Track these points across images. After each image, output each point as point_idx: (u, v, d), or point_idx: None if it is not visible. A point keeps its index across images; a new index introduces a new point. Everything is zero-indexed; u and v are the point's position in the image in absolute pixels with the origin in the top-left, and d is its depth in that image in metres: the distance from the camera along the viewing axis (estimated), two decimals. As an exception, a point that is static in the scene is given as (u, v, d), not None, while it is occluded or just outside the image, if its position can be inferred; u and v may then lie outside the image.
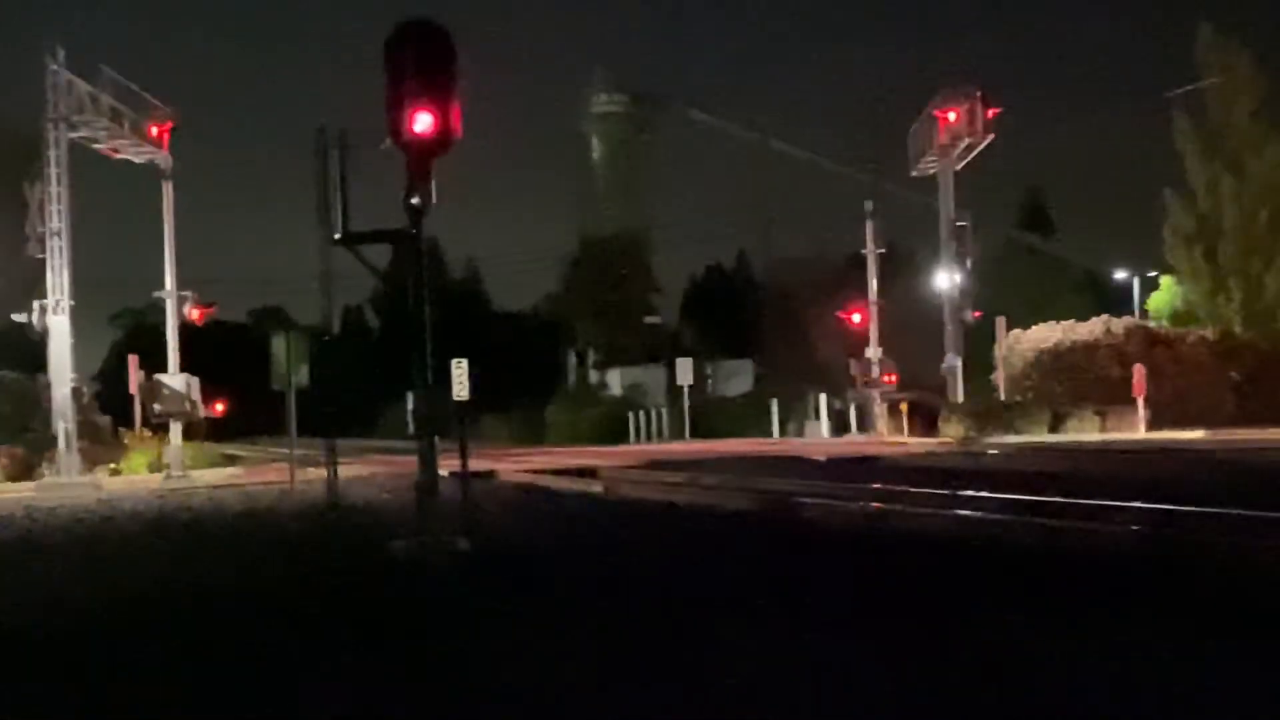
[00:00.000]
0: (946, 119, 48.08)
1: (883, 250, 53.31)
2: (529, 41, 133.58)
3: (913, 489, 22.00)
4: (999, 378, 48.98)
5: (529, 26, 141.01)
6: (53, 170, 37.34)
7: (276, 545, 18.36)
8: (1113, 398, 45.45)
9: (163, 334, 42.00)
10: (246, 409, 51.74)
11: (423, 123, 15.46)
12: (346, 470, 26.50)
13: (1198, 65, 49.08)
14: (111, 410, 45.46)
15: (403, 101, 15.45)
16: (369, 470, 32.72)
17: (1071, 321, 49.86)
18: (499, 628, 11.19)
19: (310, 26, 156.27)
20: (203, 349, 42.77)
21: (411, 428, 17.78)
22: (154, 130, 40.06)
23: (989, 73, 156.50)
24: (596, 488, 27.20)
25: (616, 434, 62.23)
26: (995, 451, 36.08)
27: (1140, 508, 16.59)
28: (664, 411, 63.67)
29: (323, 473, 25.62)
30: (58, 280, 37.47)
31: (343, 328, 29.64)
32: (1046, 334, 49.26)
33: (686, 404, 59.61)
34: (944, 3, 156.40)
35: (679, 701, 8.09)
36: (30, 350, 43.88)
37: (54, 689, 9.27)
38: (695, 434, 58.27)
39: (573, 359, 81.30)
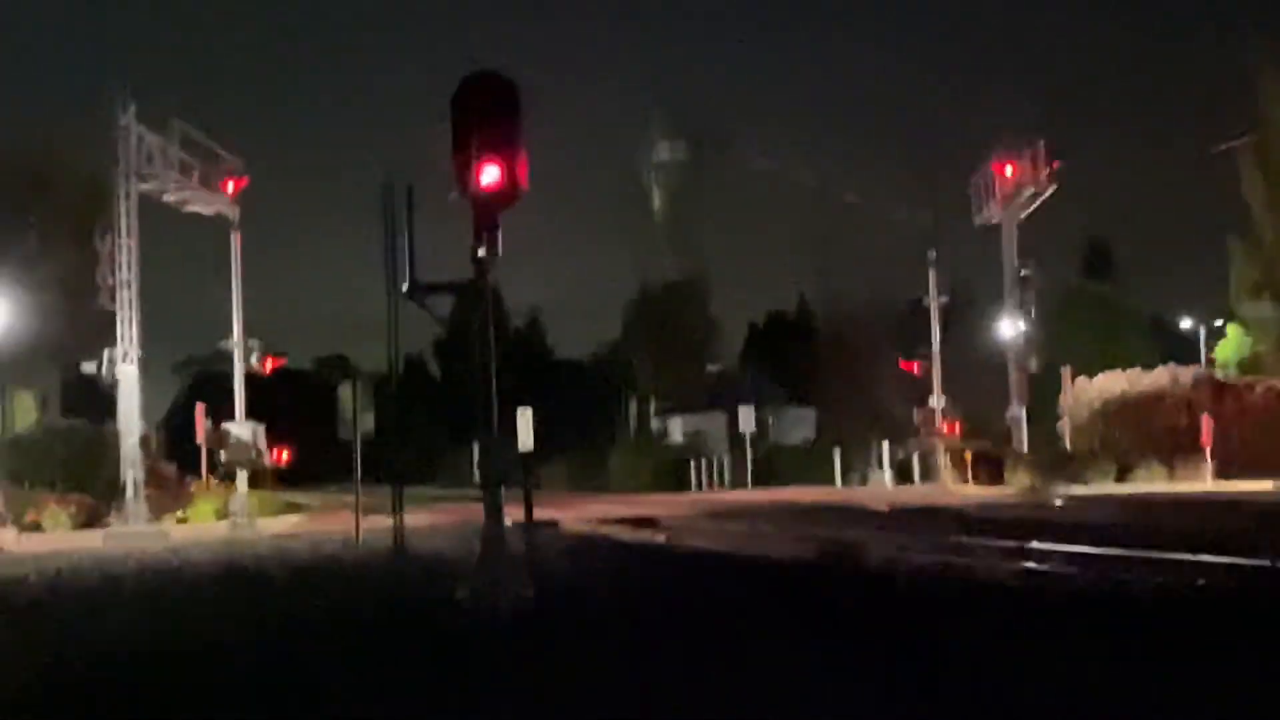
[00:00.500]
0: (1010, 168, 47.96)
1: (945, 298, 53.11)
2: (588, 86, 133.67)
3: (981, 540, 21.89)
4: (1064, 427, 48.70)
5: (588, 71, 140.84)
6: (123, 222, 37.64)
7: (345, 594, 18.42)
8: (1180, 448, 45.12)
9: (227, 382, 42.31)
10: (310, 456, 51.93)
11: (490, 175, 15.52)
12: (411, 519, 26.51)
13: (1261, 111, 48.75)
14: (177, 458, 45.75)
15: (469, 154, 15.51)
16: (433, 519, 32.71)
17: (1137, 370, 49.55)
18: (562, 674, 11.25)
19: (377, 76, 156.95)
20: (266, 396, 43.10)
21: (478, 477, 17.84)
22: (224, 184, 40.39)
23: (1052, 115, 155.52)
24: (660, 538, 27.14)
25: (678, 481, 61.97)
26: (1061, 502, 35.82)
27: (1208, 561, 16.50)
28: (725, 459, 63.49)
29: (387, 521, 25.67)
30: (127, 331, 37.76)
31: (405, 376, 29.63)
32: (1112, 383, 48.95)
33: (749, 452, 59.48)
34: (1005, 47, 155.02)
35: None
36: (97, 398, 44.29)
37: None
38: (757, 482, 58.11)
39: (633, 406, 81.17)
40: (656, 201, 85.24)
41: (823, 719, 9.26)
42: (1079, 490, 41.55)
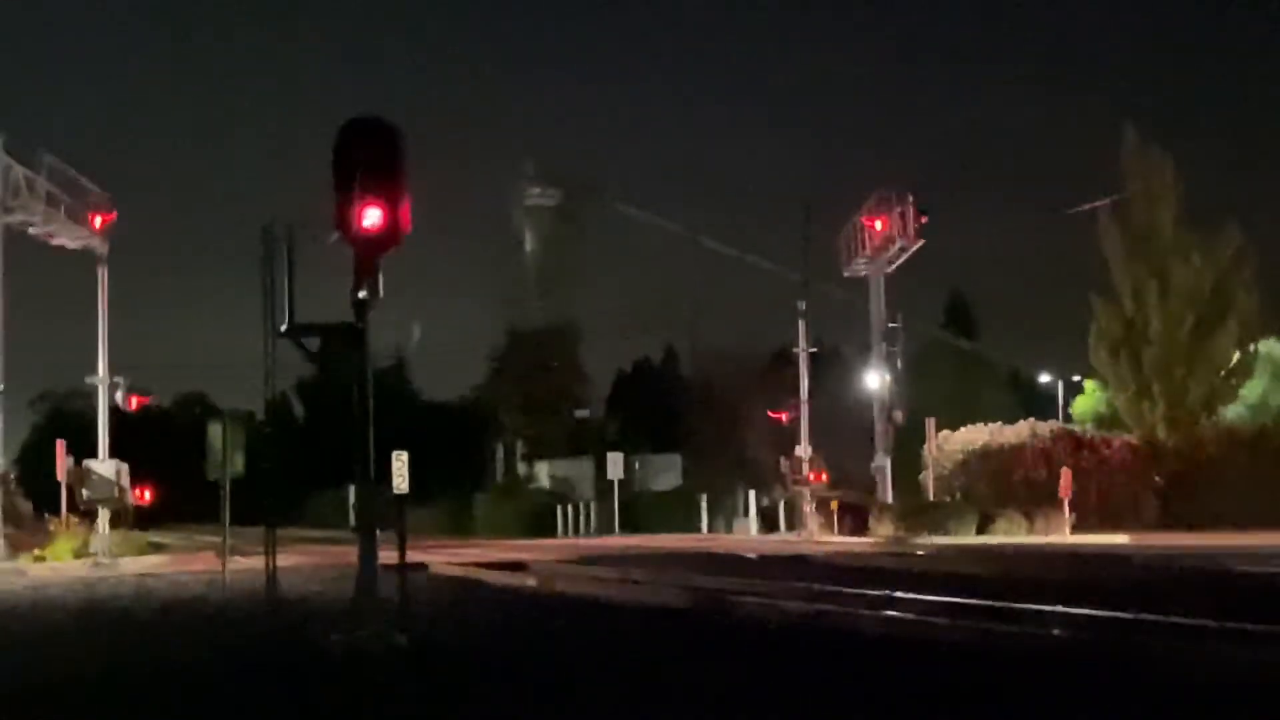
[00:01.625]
0: (878, 222, 48.66)
1: (813, 349, 53.62)
2: (458, 131, 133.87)
3: (845, 589, 22.15)
4: (928, 478, 49.27)
5: (458, 116, 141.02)
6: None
7: (211, 636, 18.31)
8: (1039, 500, 45.83)
9: (85, 418, 41.77)
10: (173, 496, 51.37)
11: (372, 218, 15.56)
12: (279, 560, 26.34)
13: (1123, 171, 49.64)
14: (31, 495, 44.99)
15: (352, 197, 15.53)
16: (301, 560, 32.51)
17: (999, 424, 50.32)
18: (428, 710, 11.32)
19: (253, 117, 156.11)
20: (126, 434, 42.52)
21: (353, 521, 17.81)
22: (92, 217, 39.96)
23: (916, 170, 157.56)
24: (530, 582, 27.16)
25: (544, 527, 62.00)
26: (923, 553, 36.20)
27: (1056, 611, 16.86)
28: (592, 505, 63.54)
29: (252, 562, 25.51)
30: (-14, 365, 37.20)
31: (269, 415, 29.39)
32: (974, 436, 49.69)
33: (615, 498, 59.58)
34: (874, 105, 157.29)
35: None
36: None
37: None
38: (624, 528, 58.09)
39: (500, 451, 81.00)
40: (527, 246, 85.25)
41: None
42: (941, 540, 42.08)
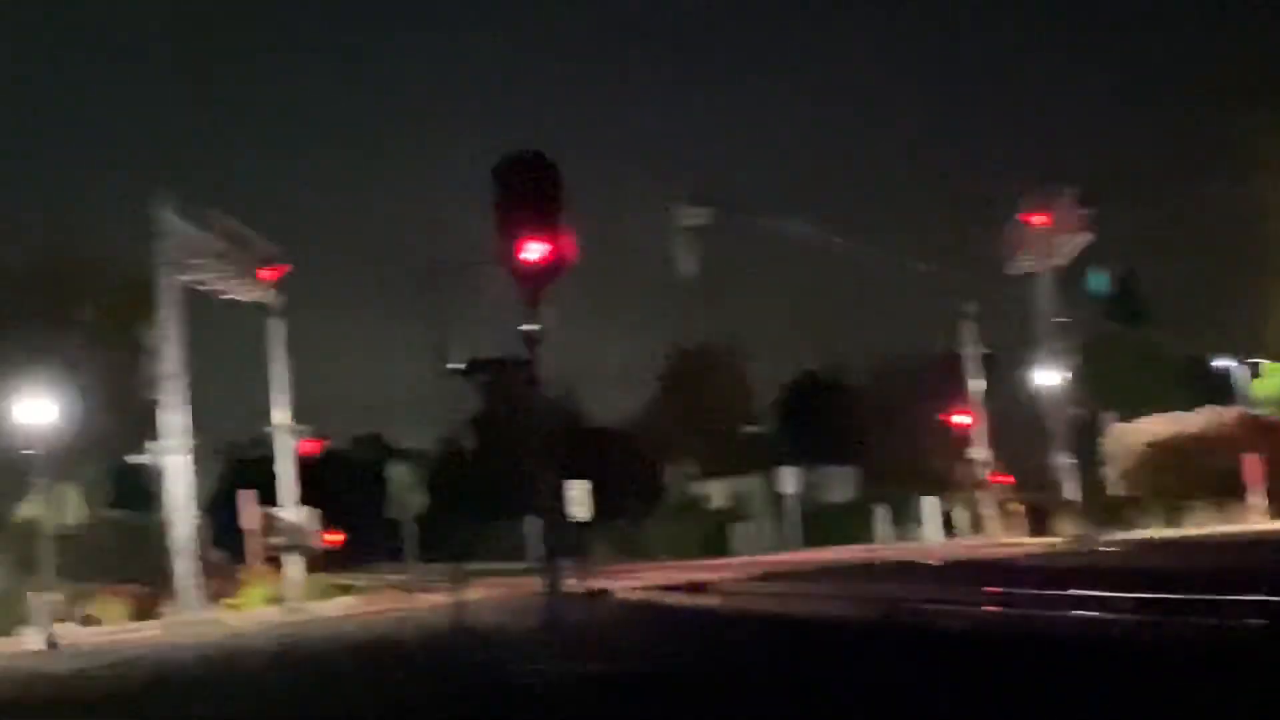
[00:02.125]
0: (1044, 218, 48.02)
1: (986, 351, 53.09)
2: (611, 158, 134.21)
3: (1044, 590, 21.82)
4: (1109, 473, 48.53)
5: (612, 144, 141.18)
6: (166, 313, 37.91)
7: (410, 673, 18.53)
8: (1227, 488, 44.94)
9: (266, 466, 42.39)
10: (353, 536, 52.05)
11: (534, 252, 15.72)
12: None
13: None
14: (220, 544, 45.78)
15: (514, 231, 15.71)
16: (483, 593, 32.70)
17: (1178, 413, 49.42)
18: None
19: (417, 156, 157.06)
20: (305, 479, 43.06)
21: (535, 552, 17.98)
22: (261, 270, 40.60)
23: (1083, 160, 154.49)
24: (714, 602, 27.14)
25: (719, 546, 61.87)
26: (1109, 549, 35.65)
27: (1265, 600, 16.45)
28: (766, 521, 63.34)
29: (437, 598, 25.77)
30: (173, 422, 37.90)
31: (444, 456, 29.81)
32: (1154, 427, 48.87)
33: (790, 513, 59.36)
34: (1030, 87, 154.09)
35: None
36: (140, 489, 44.48)
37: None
38: (800, 543, 57.90)
39: (671, 471, 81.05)
40: (683, 266, 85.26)
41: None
42: (1130, 535, 41.40)
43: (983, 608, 20.29)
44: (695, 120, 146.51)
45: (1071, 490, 47.63)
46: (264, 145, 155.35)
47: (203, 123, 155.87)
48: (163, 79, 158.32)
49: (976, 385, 52.00)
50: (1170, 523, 44.16)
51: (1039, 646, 15.65)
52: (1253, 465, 44.47)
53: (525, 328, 16.42)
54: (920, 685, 13.67)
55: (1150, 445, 48.14)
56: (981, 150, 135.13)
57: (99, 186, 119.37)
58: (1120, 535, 41.35)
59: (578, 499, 26.00)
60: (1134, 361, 65.87)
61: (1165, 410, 50.69)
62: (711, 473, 77.17)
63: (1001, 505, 49.60)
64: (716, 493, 74.71)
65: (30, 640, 29.98)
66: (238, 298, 40.73)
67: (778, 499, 60.74)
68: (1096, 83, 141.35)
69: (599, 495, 44.36)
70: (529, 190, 16.01)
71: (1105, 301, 68.56)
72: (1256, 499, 43.79)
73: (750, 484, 70.20)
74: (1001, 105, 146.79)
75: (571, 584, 17.44)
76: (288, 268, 40.95)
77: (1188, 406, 51.59)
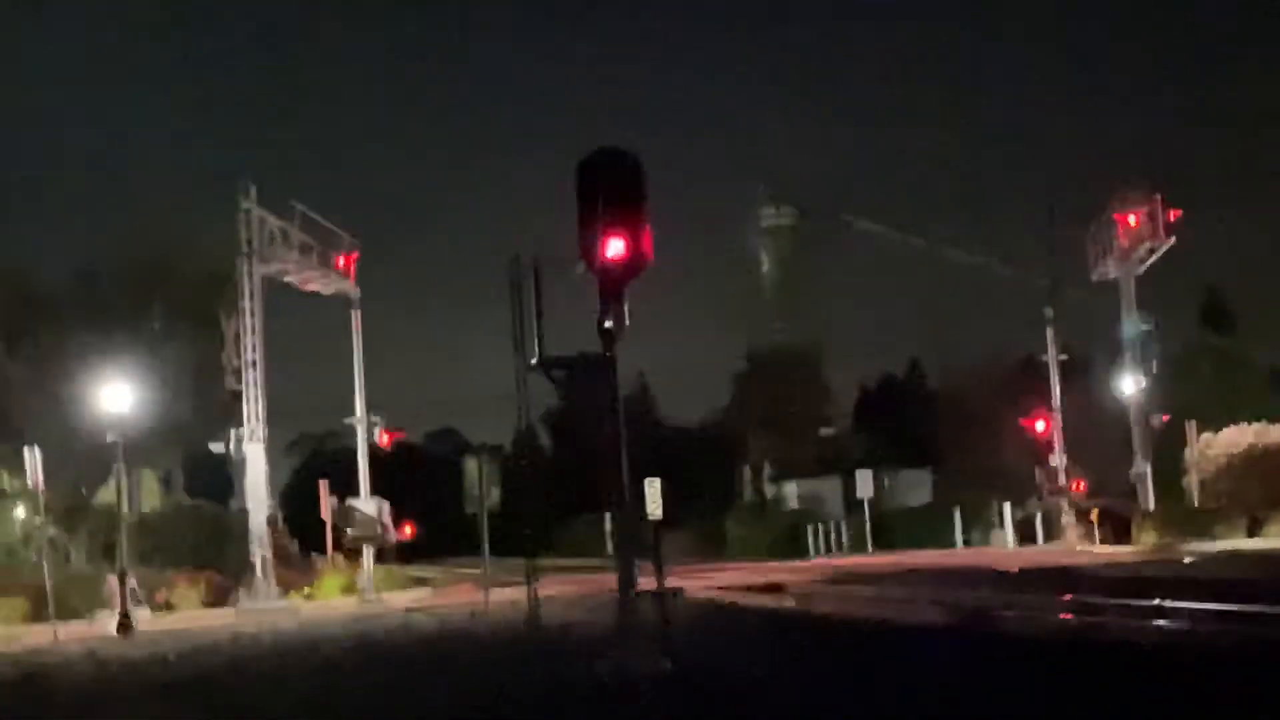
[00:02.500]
0: (1126, 223, 47.73)
1: (1064, 356, 52.72)
2: (693, 155, 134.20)
3: (1121, 600, 21.65)
4: (1191, 482, 48.01)
5: (697, 141, 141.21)
6: (247, 304, 38.14)
7: (490, 671, 18.56)
8: (1313, 497, 44.50)
9: (342, 458, 42.64)
10: (427, 529, 52.23)
11: (615, 248, 15.64)
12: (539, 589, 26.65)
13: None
14: (294, 534, 46.04)
15: (595, 228, 15.63)
16: (557, 589, 32.74)
17: (1264, 424, 48.85)
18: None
19: (496, 152, 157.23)
20: (381, 471, 43.23)
21: (611, 549, 17.95)
22: (341, 262, 40.82)
23: (1165, 165, 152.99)
24: (788, 603, 27.12)
25: (794, 547, 61.58)
26: (1191, 559, 35.34)
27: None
28: (843, 523, 63.15)
29: (512, 593, 25.80)
30: (253, 409, 38.16)
31: (521, 447, 29.65)
32: (1238, 437, 48.25)
33: (867, 515, 59.16)
34: (1114, 95, 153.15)
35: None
36: (217, 477, 44.86)
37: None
38: (875, 546, 57.72)
39: (747, 472, 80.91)
40: (765, 267, 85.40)
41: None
42: (1210, 547, 40.98)
43: (1063, 616, 20.14)
44: (783, 123, 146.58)
45: (1150, 499, 47.27)
46: (349, 140, 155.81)
47: (290, 113, 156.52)
48: (245, 72, 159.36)
49: (1056, 391, 51.55)
50: (1251, 534, 43.69)
51: (1115, 653, 15.56)
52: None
53: (603, 325, 16.30)
54: (990, 693, 13.60)
55: (1234, 455, 47.57)
56: (1066, 155, 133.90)
57: (179, 176, 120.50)
58: (1201, 546, 40.94)
59: (652, 497, 25.85)
60: (1220, 370, 65.08)
61: (1251, 421, 50.07)
62: (787, 474, 77.02)
63: (1079, 512, 49.18)
64: (792, 494, 74.56)
65: (107, 624, 30.21)
66: (319, 290, 40.98)
67: (855, 501, 60.51)
68: (1182, 93, 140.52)
69: (674, 495, 44.24)
70: (611, 186, 15.90)
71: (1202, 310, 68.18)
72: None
73: (827, 486, 70.13)
74: (1086, 111, 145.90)
75: (646, 582, 17.33)
76: (357, 254, 41.15)
77: (1274, 417, 50.97)
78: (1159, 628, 17.79)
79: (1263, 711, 11.66)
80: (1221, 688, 12.93)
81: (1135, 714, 11.83)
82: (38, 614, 31.54)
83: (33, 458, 32.03)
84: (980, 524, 55.89)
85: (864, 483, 59.05)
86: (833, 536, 62.52)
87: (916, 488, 69.77)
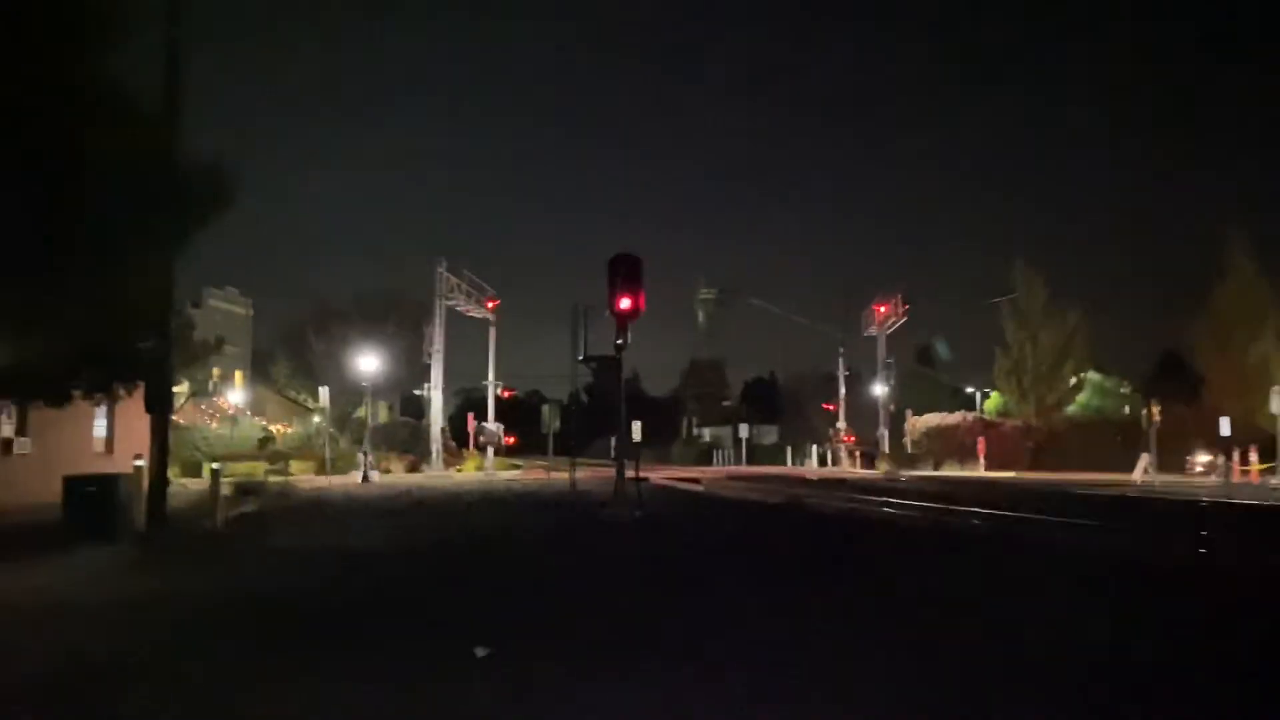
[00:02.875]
0: (879, 309, 48.16)
1: (848, 372, 53.06)
2: (672, 253, 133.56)
3: (864, 495, 22.07)
4: (907, 441, 48.42)
5: (673, 247, 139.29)
6: (436, 320, 38.54)
7: (547, 508, 18.94)
8: (966, 454, 44.83)
9: (480, 401, 42.80)
10: (523, 441, 52.63)
11: (624, 304, 15.98)
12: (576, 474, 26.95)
13: (1014, 279, 48.14)
14: (454, 437, 46.38)
15: (615, 292, 15.97)
16: (586, 475, 32.90)
17: (945, 413, 49.27)
18: (650, 541, 11.71)
19: (573, 251, 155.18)
20: (501, 410, 43.56)
21: (612, 453, 18.25)
22: (488, 304, 41.24)
23: (900, 270, 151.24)
24: (700, 488, 27.42)
25: (707, 461, 61.86)
26: (905, 478, 35.70)
27: (978, 510, 16.67)
28: (730, 450, 63.35)
29: (564, 474, 26.04)
30: (435, 374, 38.60)
31: (573, 401, 30.14)
32: (932, 419, 48.63)
33: (743, 447, 59.43)
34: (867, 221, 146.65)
35: (725, 567, 8.54)
36: (418, 407, 45.03)
37: (457, 564, 9.97)
38: (748, 463, 57.99)
39: (686, 421, 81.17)
40: (700, 318, 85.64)
41: (803, 565, 9.68)
42: (914, 473, 41.35)
43: (835, 501, 20.46)
44: (709, 240, 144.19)
45: (886, 447, 47.59)
46: (505, 233, 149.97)
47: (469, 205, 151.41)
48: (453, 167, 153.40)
49: (842, 390, 51.90)
50: (935, 468, 44.05)
51: (863, 520, 15.95)
52: (980, 443, 44.29)
53: (617, 342, 16.64)
54: (801, 535, 13.98)
55: (929, 428, 47.95)
56: (853, 265, 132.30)
57: (405, 246, 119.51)
58: (910, 472, 41.31)
59: (636, 431, 26.25)
60: (925, 386, 65.32)
61: (940, 411, 50.39)
62: (706, 424, 77.27)
63: (849, 452, 49.54)
64: (708, 434, 74.75)
65: (355, 477, 30.53)
66: (475, 316, 41.43)
67: (739, 440, 60.72)
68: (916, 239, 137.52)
69: (649, 431, 44.49)
70: (623, 272, 16.24)
71: (932, 357, 68.31)
72: (981, 460, 43.64)
73: (725, 431, 70.21)
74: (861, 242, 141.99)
75: (629, 474, 17.65)
76: (499, 301, 41.60)
77: (952, 410, 51.29)
78: (884, 510, 18.11)
79: (927, 543, 12.06)
80: (910, 537, 13.34)
81: (868, 548, 12.16)
82: (320, 470, 31.89)
83: (323, 392, 32.37)
84: (800, 455, 56.07)
85: (744, 430, 59.28)
86: (728, 457, 62.70)
87: (769, 434, 69.83)
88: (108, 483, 12.86)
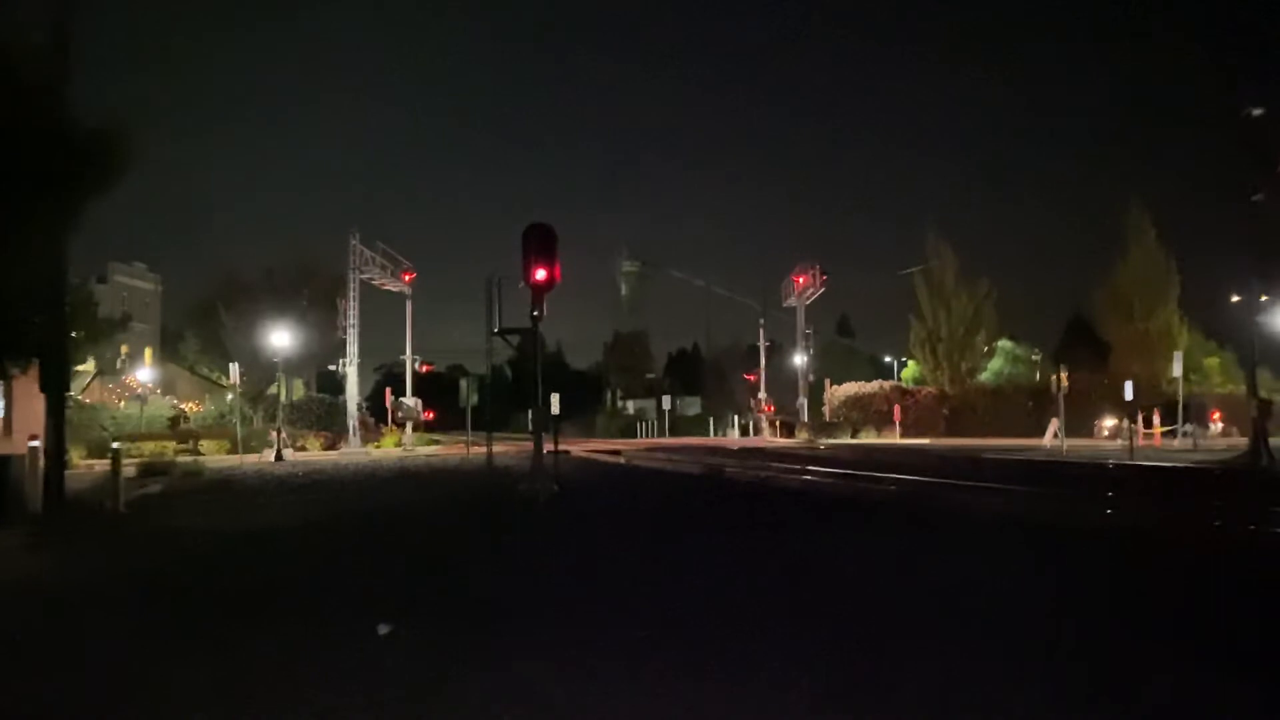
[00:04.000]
0: (798, 280, 48.61)
1: (769, 343, 53.68)
2: (588, 221, 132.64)
3: (781, 463, 22.34)
4: (825, 410, 49.17)
5: (586, 215, 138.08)
6: (350, 292, 37.81)
7: (461, 483, 18.76)
8: (884, 421, 45.69)
9: (398, 376, 42.19)
10: (441, 416, 52.06)
11: (540, 275, 15.77)
12: (495, 448, 26.79)
13: (927, 250, 49.21)
14: (372, 414, 45.71)
15: (530, 263, 15.76)
16: (504, 449, 32.82)
17: (862, 382, 50.12)
18: (566, 521, 11.68)
19: (487, 216, 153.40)
20: (420, 385, 43.00)
21: (530, 427, 18.13)
22: (404, 277, 40.54)
23: (823, 247, 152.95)
24: (621, 460, 27.45)
25: (631, 433, 62.08)
26: (823, 447, 36.26)
27: (890, 476, 16.99)
28: (654, 422, 63.64)
29: (483, 450, 25.83)
30: (351, 350, 37.91)
31: (493, 376, 29.71)
32: (850, 389, 49.42)
33: (666, 419, 59.68)
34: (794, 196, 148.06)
35: (651, 546, 8.57)
36: (333, 383, 44.16)
37: (372, 535, 9.79)
38: (671, 434, 58.31)
39: (609, 394, 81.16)
40: (623, 290, 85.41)
41: (712, 528, 9.75)
42: (832, 441, 42.06)
43: (752, 470, 20.65)
44: (637, 210, 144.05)
45: (805, 416, 48.30)
46: (416, 203, 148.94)
47: (384, 180, 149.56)
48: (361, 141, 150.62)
49: (763, 361, 52.47)
50: (853, 436, 44.83)
51: (781, 490, 16.14)
52: (896, 410, 45.19)
53: (533, 314, 16.46)
54: (720, 504, 14.09)
55: (847, 397, 48.75)
56: (774, 238, 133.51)
57: (316, 221, 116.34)
58: (829, 440, 42.00)
59: (554, 404, 26.14)
60: (843, 356, 66.48)
61: (858, 380, 51.26)
62: (629, 396, 77.33)
63: (770, 422, 50.13)
64: (632, 407, 74.85)
65: (268, 456, 29.88)
66: (390, 289, 40.70)
67: (662, 412, 60.95)
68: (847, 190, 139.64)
69: (573, 405, 44.27)
70: (538, 242, 16.03)
71: (837, 324, 69.29)
72: (897, 428, 44.57)
73: (649, 404, 70.38)
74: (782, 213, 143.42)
75: (547, 447, 17.54)
76: (414, 274, 40.91)
77: (869, 379, 52.20)
78: (801, 478, 18.34)
79: (842, 511, 12.24)
80: (824, 505, 13.54)
81: (782, 515, 12.30)
82: (233, 450, 31.10)
83: (234, 369, 31.52)
84: (723, 425, 56.58)
85: (666, 402, 59.51)
86: (650, 428, 62.98)
87: (692, 406, 70.22)
88: (-3, 464, 12.33)
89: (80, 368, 30.30)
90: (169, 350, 50.35)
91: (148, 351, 45.64)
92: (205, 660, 5.39)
